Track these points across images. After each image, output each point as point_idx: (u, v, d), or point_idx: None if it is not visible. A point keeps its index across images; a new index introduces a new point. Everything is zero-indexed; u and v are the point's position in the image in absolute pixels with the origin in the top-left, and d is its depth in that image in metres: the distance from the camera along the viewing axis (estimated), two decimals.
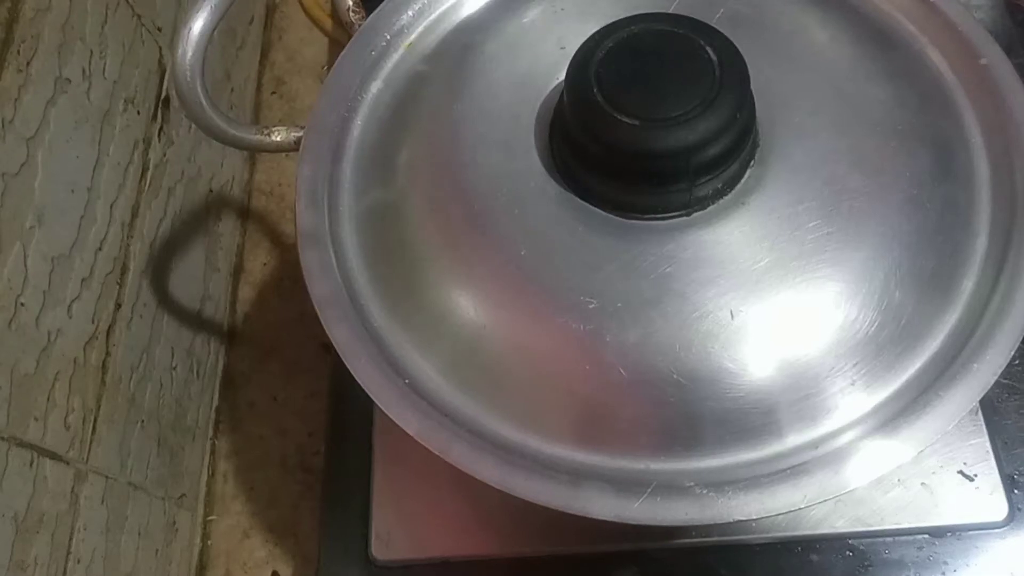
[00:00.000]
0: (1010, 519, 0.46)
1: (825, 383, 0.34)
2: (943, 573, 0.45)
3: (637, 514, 0.32)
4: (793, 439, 0.34)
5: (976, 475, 0.46)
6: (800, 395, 0.34)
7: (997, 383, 0.33)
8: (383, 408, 0.34)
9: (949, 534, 0.46)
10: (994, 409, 0.48)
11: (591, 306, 0.34)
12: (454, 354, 0.36)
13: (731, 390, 0.33)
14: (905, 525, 0.46)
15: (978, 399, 0.33)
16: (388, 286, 0.38)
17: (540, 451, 0.34)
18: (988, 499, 0.46)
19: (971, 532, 0.46)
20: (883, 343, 0.34)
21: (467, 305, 0.36)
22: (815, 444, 0.33)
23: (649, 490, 0.32)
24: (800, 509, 0.32)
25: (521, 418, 0.35)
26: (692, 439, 0.34)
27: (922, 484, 0.46)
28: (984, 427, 0.47)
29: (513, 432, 0.35)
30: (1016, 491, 0.46)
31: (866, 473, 0.32)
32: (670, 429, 0.34)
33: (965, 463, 0.46)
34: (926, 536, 0.46)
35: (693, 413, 0.33)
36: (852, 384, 0.34)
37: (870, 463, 0.32)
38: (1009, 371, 0.48)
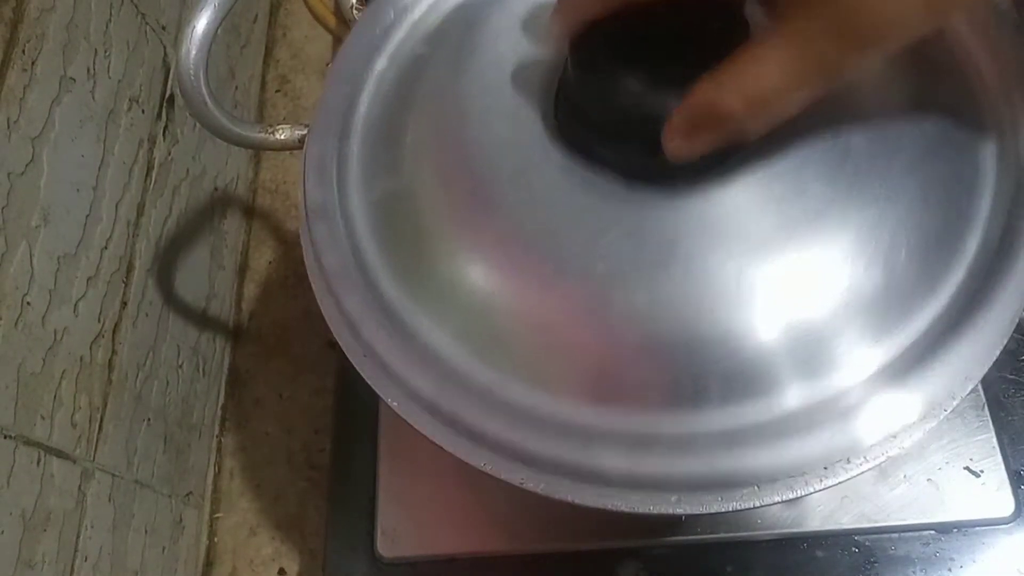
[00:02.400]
0: (1017, 515, 0.45)
1: (832, 342, 0.33)
2: (949, 569, 0.45)
3: (650, 469, 0.32)
4: (801, 397, 0.33)
5: (982, 471, 0.46)
6: (807, 354, 0.33)
7: (1003, 378, 0.33)
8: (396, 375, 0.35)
9: (955, 530, 0.46)
10: (1000, 405, 0.48)
11: (599, 270, 0.34)
12: (466, 323, 0.36)
13: (738, 351, 0.33)
14: (911, 521, 0.46)
15: (995, 353, 0.33)
16: (398, 258, 0.38)
17: (552, 413, 0.34)
18: (994, 495, 0.46)
19: (977, 528, 0.46)
20: (890, 301, 0.34)
21: (477, 274, 0.36)
22: (824, 401, 0.33)
23: (660, 449, 0.32)
24: (809, 476, 0.32)
25: (532, 381, 0.35)
26: (701, 399, 0.33)
27: (928, 480, 0.46)
28: (990, 423, 0.47)
29: (525, 395, 0.35)
30: (1022, 487, 0.46)
31: (877, 430, 0.32)
32: (678, 390, 0.33)
33: (971, 459, 0.46)
34: (932, 532, 0.46)
35: (702, 374, 0.33)
36: (859, 341, 0.33)
37: (881, 419, 0.32)
38: (1016, 366, 0.48)
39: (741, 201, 0.34)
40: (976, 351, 0.33)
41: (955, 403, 0.32)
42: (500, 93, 0.38)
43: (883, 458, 0.32)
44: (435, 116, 0.39)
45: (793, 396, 0.33)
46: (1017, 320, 0.33)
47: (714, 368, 0.33)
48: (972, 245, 0.35)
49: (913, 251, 0.35)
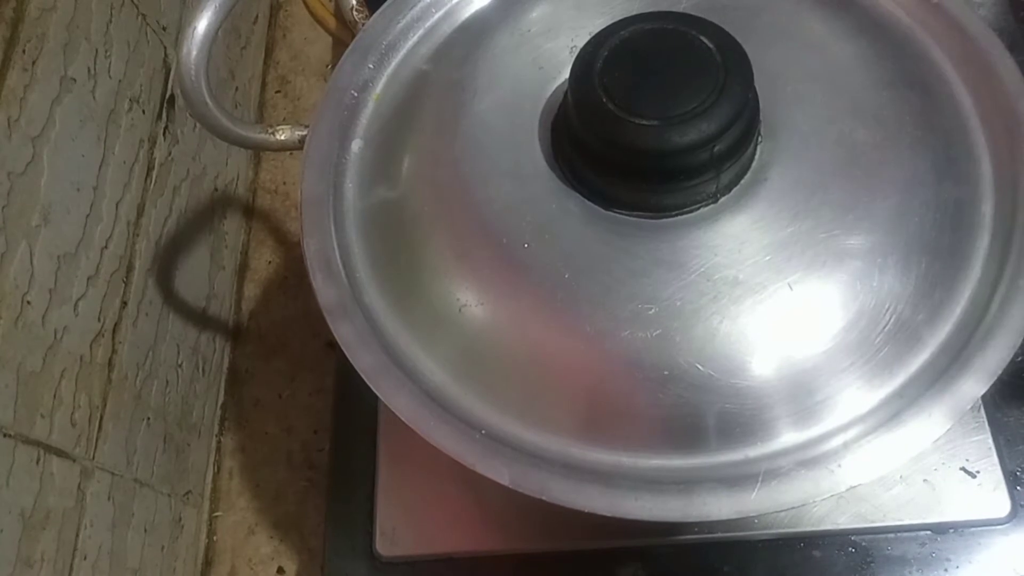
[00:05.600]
0: (1012, 516, 0.45)
1: (828, 383, 0.34)
2: (945, 570, 0.45)
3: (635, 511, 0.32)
4: (798, 435, 0.34)
5: (978, 472, 0.46)
6: (804, 392, 0.34)
7: (1000, 380, 0.33)
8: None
9: (951, 531, 0.46)
10: (996, 406, 0.48)
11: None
12: (464, 358, 0.36)
13: (738, 391, 0.33)
14: (907, 521, 0.46)
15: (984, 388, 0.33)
16: (399, 298, 0.37)
17: (556, 452, 0.34)
18: (990, 496, 0.46)
19: (973, 529, 0.46)
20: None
21: (475, 306, 0.35)
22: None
23: (651, 490, 0.32)
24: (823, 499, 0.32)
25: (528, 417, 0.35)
26: (697, 440, 0.34)
27: (924, 481, 0.46)
28: (986, 424, 0.47)
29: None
30: (1018, 488, 0.46)
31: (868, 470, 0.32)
32: (674, 430, 0.34)
33: (967, 460, 0.46)
34: (928, 532, 0.46)
35: (699, 414, 0.33)
36: (853, 382, 0.34)
37: (872, 461, 0.32)
38: (1012, 368, 0.48)
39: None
40: (968, 388, 0.33)
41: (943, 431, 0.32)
42: (499, 122, 0.38)
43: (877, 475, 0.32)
44: (434, 145, 0.39)
45: (792, 433, 0.34)
46: (1016, 347, 0.34)
47: (711, 408, 0.33)
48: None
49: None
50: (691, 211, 0.35)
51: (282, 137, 0.43)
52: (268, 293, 0.70)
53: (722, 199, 0.35)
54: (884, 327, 0.34)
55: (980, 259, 0.35)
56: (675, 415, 0.34)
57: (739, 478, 0.32)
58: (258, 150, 0.73)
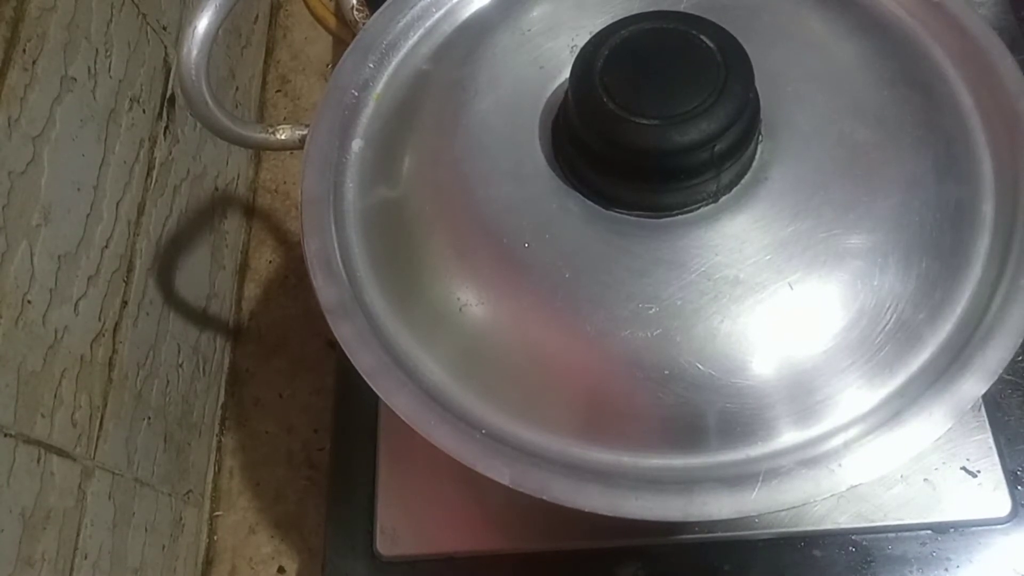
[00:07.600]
0: (1013, 515, 0.46)
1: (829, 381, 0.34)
2: (946, 569, 0.45)
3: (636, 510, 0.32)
4: (799, 434, 0.34)
5: (979, 471, 0.46)
6: (804, 391, 0.34)
7: (1000, 379, 0.33)
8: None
9: (952, 530, 0.46)
10: (997, 405, 0.48)
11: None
12: (466, 357, 0.36)
13: (739, 390, 0.33)
14: (908, 521, 0.46)
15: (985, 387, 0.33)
16: (399, 297, 0.37)
17: (557, 451, 0.34)
18: (991, 495, 0.46)
19: (974, 528, 0.46)
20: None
21: (475, 306, 0.35)
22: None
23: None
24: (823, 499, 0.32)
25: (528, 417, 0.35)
26: (698, 439, 0.34)
27: (925, 480, 0.46)
28: (987, 423, 0.47)
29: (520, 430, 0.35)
30: (1019, 487, 0.46)
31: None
32: (675, 429, 0.34)
33: (968, 459, 0.46)
34: (929, 532, 0.46)
35: (700, 413, 0.33)
36: (855, 377, 0.34)
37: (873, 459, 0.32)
38: (1013, 367, 0.48)
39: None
40: (968, 388, 0.33)
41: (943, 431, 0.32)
42: (499, 122, 0.38)
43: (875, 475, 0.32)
44: (434, 145, 0.39)
45: (792, 433, 0.34)
46: (1017, 347, 0.33)
47: (712, 408, 0.33)
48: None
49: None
50: (691, 211, 0.35)
51: (282, 136, 0.43)
52: (268, 293, 0.70)
53: (723, 198, 0.35)
54: (885, 326, 0.34)
55: (981, 259, 0.35)
56: (675, 415, 0.34)
57: (740, 478, 0.32)
58: (258, 150, 0.73)
